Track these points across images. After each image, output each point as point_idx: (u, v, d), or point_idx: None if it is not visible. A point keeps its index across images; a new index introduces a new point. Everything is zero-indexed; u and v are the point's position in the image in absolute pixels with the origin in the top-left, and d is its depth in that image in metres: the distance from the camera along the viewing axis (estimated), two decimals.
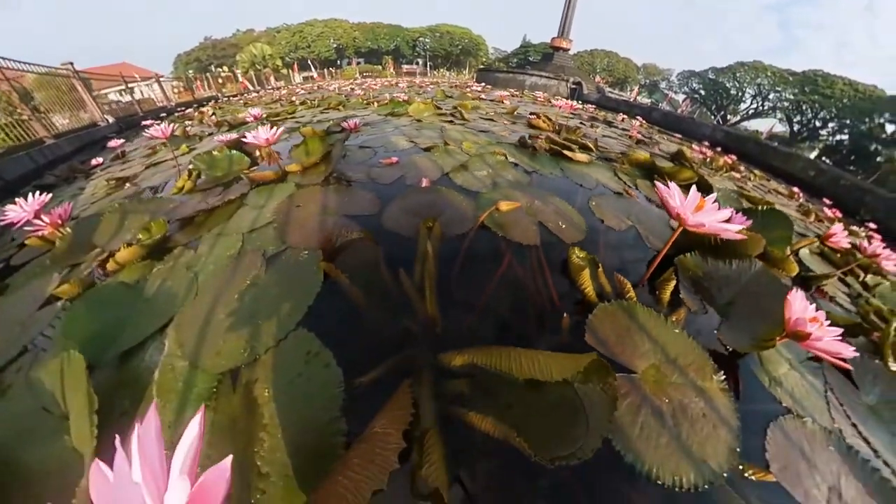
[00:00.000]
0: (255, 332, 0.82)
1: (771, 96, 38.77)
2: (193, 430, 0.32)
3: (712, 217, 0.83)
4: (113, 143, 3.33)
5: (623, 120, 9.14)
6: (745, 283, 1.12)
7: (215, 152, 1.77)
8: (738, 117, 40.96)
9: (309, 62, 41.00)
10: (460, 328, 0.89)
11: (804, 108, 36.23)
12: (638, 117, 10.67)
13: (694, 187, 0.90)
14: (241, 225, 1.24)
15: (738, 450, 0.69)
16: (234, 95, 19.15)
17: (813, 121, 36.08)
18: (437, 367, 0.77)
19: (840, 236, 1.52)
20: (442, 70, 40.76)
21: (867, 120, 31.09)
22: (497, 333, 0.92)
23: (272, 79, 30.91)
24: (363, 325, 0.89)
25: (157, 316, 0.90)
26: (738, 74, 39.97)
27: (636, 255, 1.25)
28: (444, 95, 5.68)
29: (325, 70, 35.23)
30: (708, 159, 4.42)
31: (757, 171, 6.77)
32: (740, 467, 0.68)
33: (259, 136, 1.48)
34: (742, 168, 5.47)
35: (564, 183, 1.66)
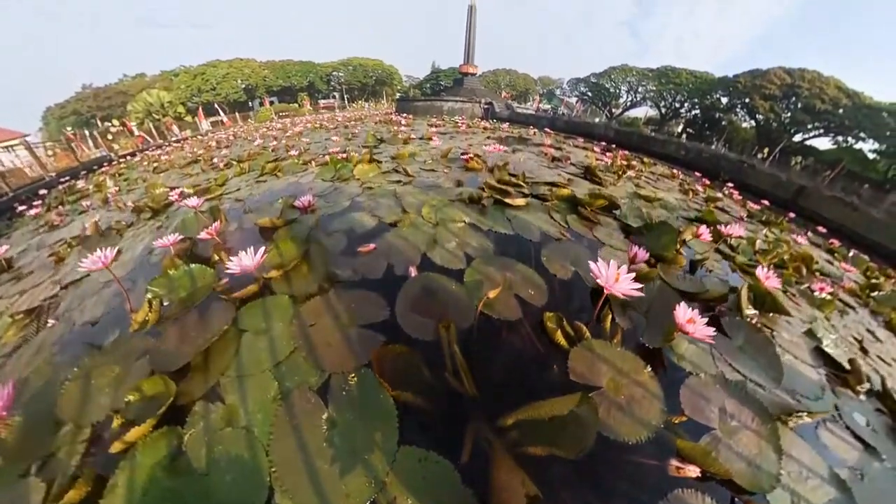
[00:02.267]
0: (366, 465, 0.90)
1: (640, 90, 48.28)
2: None
3: (625, 285, 1.19)
4: None
5: (535, 134, 10.31)
6: (653, 298, 1.57)
7: (170, 272, 1.56)
8: (620, 109, 50.74)
9: (216, 106, 38.04)
10: (494, 394, 1.18)
11: (665, 95, 46.33)
12: (546, 129, 11.99)
13: (614, 264, 1.23)
14: (259, 359, 1.16)
15: (664, 409, 1.12)
16: (132, 153, 17.09)
17: (673, 104, 46.68)
18: (496, 427, 1.05)
19: (704, 233, 2.04)
20: (360, 102, 41.06)
21: (708, 97, 42.50)
22: (517, 389, 1.21)
23: (175, 128, 28.11)
24: (430, 419, 1.10)
25: (245, 493, 0.82)
26: (612, 76, 48.75)
27: (583, 297, 1.61)
28: (377, 140, 5.86)
29: (236, 113, 32.83)
30: (609, 163, 5.20)
31: (646, 159, 8.18)
32: (668, 418, 1.11)
33: (243, 263, 1.37)
34: (635, 162, 6.51)
35: (517, 241, 1.95)
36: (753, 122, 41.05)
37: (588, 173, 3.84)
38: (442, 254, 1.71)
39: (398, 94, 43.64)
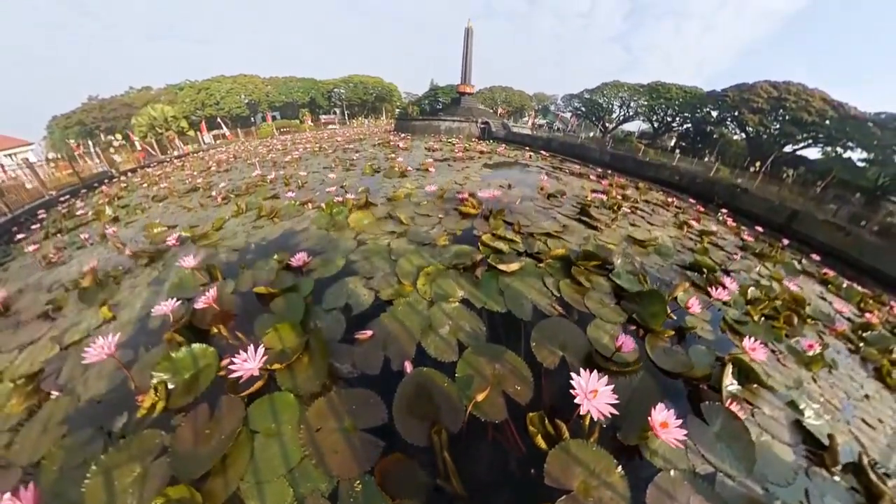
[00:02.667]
0: None
1: (632, 105, 49.32)
2: None
3: (602, 401, 1.21)
4: None
5: (530, 157, 10.49)
6: (634, 389, 1.61)
7: (173, 354, 1.60)
8: (614, 124, 51.76)
9: (219, 120, 38.52)
10: (481, 496, 1.24)
11: (656, 109, 47.62)
12: (542, 151, 12.16)
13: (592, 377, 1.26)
14: (273, 465, 1.22)
15: None
16: (133, 169, 17.17)
17: (665, 118, 47.79)
18: None
19: (694, 305, 2.08)
20: (360, 118, 41.73)
21: (698, 111, 43.85)
22: (502, 489, 1.27)
23: (177, 142, 28.43)
24: None
25: None
26: (604, 92, 49.97)
27: (567, 389, 1.62)
28: (373, 170, 5.96)
29: (238, 130, 33.22)
30: (605, 198, 5.21)
31: (641, 185, 8.30)
32: None
33: (246, 366, 1.42)
34: (630, 192, 6.60)
35: (508, 322, 1.98)
36: (744, 135, 42.33)
37: (583, 213, 3.91)
38: (436, 343, 1.75)
39: (397, 111, 44.50)
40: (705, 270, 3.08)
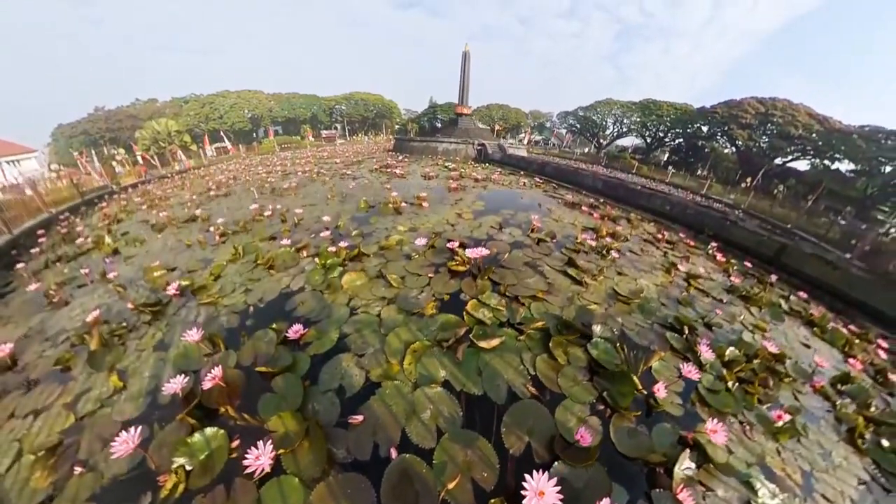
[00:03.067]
0: None
1: (625, 121, 51.15)
2: None
3: (548, 500, 1.33)
4: None
5: (524, 185, 10.71)
6: (589, 478, 1.73)
7: (189, 440, 1.81)
8: (608, 140, 53.65)
9: (222, 133, 39.08)
10: None
11: (648, 125, 49.27)
12: (536, 178, 12.41)
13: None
14: None
15: None
16: (134, 185, 17.30)
17: (657, 133, 49.58)
18: None
19: (661, 389, 2.21)
20: (360, 134, 42.47)
21: (689, 127, 45.33)
22: None
23: (180, 154, 28.74)
24: None
25: None
26: (598, 109, 51.61)
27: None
28: (367, 205, 6.15)
29: (240, 146, 33.71)
30: (595, 239, 5.31)
31: (633, 215, 8.44)
32: None
33: (259, 461, 1.63)
34: (620, 228, 6.72)
35: (482, 405, 2.10)
36: (734, 149, 43.59)
37: (570, 264, 4.05)
38: (418, 429, 1.90)
39: (397, 127, 45.24)
40: (686, 330, 3.18)
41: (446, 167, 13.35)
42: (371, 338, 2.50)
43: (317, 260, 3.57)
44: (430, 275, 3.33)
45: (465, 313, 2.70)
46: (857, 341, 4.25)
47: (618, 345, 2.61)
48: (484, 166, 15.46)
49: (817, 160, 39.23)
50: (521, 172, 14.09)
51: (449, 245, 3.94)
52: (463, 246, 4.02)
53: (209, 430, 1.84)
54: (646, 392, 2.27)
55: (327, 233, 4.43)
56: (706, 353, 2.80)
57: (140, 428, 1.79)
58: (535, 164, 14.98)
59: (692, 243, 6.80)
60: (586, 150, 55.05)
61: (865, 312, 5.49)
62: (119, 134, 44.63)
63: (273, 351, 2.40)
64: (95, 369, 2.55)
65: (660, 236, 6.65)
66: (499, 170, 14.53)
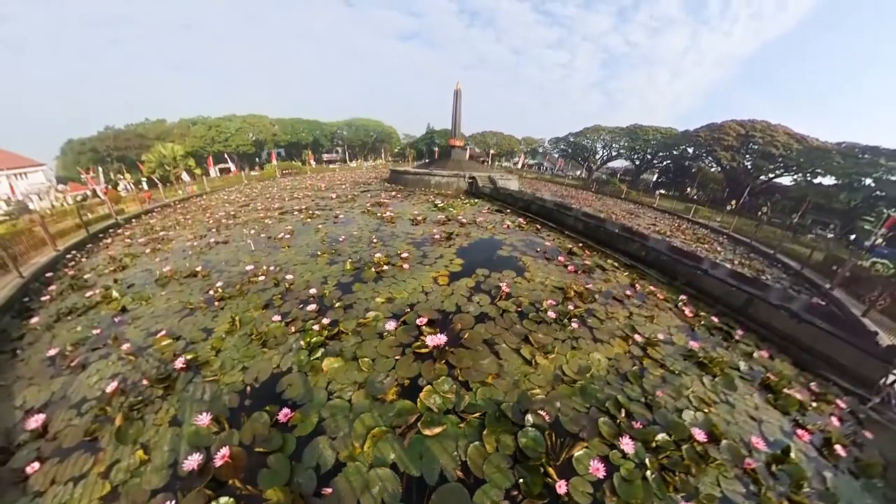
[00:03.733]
0: None
1: (614, 145, 53.42)
2: None
3: None
4: None
5: (507, 228, 11.22)
6: None
7: None
8: (598, 164, 55.92)
9: (226, 156, 40.40)
10: None
11: (637, 149, 51.67)
12: (521, 219, 13.10)
13: None
14: None
15: None
16: (137, 215, 17.82)
17: (645, 156, 52.09)
18: None
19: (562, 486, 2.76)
20: (360, 160, 43.95)
21: (675, 149, 47.54)
22: None
23: (184, 176, 29.80)
24: None
25: None
26: (587, 135, 53.66)
27: None
28: (353, 267, 6.83)
29: (244, 165, 35.06)
30: (558, 309, 5.41)
31: (608, 262, 8.88)
32: None
33: None
34: (592, 282, 7.09)
35: (418, 486, 2.63)
36: (721, 168, 45.61)
37: (526, 340, 4.52)
38: (368, 502, 2.52)
39: (396, 150, 46.78)
40: (622, 413, 3.41)
41: (436, 206, 14.11)
42: (342, 422, 3.11)
43: (302, 343, 4.20)
44: (396, 357, 3.94)
45: (418, 400, 3.33)
46: (813, 405, 4.23)
47: (547, 434, 3.08)
48: (473, 202, 16.21)
49: (798, 177, 41.16)
50: (508, 211, 14.71)
51: (418, 321, 4.59)
52: (430, 322, 4.68)
53: (223, 500, 2.43)
54: (558, 481, 2.65)
55: (314, 306, 5.09)
56: (627, 446, 2.98)
57: (167, 497, 2.39)
58: (521, 202, 15.63)
59: (662, 296, 6.94)
60: (578, 173, 57.21)
61: (831, 364, 5.41)
62: (126, 153, 45.85)
63: (267, 432, 3.01)
64: (122, 443, 3.10)
65: (628, 294, 6.63)
66: (487, 206, 15.24)
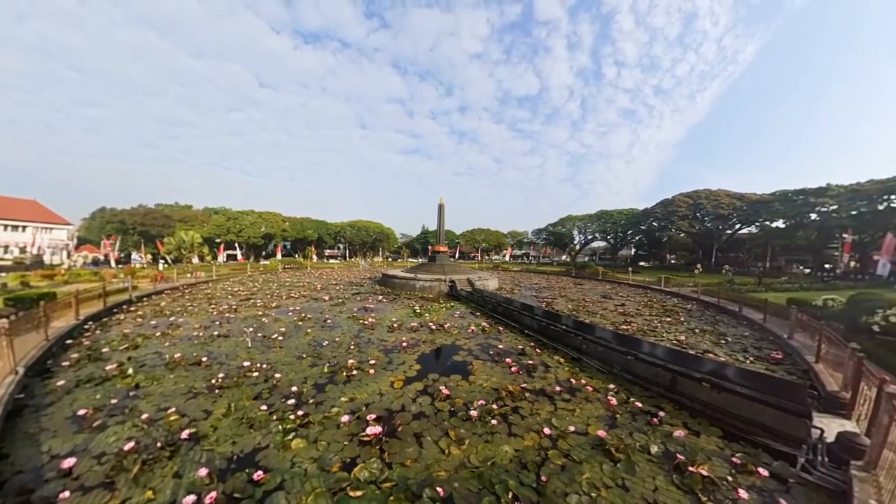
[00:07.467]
0: None
1: (587, 230, 61.37)
2: None
3: None
4: None
5: (472, 331, 12.23)
6: None
7: None
8: (578, 248, 62.56)
9: (236, 245, 44.39)
10: None
11: (607, 230, 59.26)
12: (485, 322, 14.67)
13: None
14: None
15: None
16: (148, 295, 19.50)
17: (618, 235, 59.30)
18: None
19: None
20: (358, 257, 48.43)
21: (642, 225, 54.58)
22: None
23: (195, 260, 33.04)
24: None
25: None
26: (563, 224, 61.59)
27: None
28: (330, 370, 8.38)
29: (251, 255, 38.91)
30: (484, 407, 6.53)
31: (555, 358, 9.36)
32: None
33: None
34: (531, 381, 7.47)
35: None
36: (686, 234, 51.93)
37: (446, 434, 6.13)
38: None
39: (394, 248, 51.65)
40: (509, 495, 3.87)
41: (415, 312, 15.96)
42: (297, 483, 4.52)
43: (280, 427, 5.73)
44: (345, 442, 5.50)
45: (353, 473, 4.81)
46: (729, 479, 4.29)
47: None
48: (449, 305, 18.11)
49: (752, 228, 47.67)
50: (478, 314, 16.20)
51: (368, 417, 6.17)
52: (378, 418, 6.26)
53: None
54: None
55: (293, 400, 6.63)
56: None
57: None
58: (490, 303, 17.29)
59: (592, 388, 7.27)
60: (563, 257, 62.88)
61: (764, 428, 5.52)
62: (150, 229, 49.82)
63: (244, 486, 4.40)
64: (136, 485, 4.43)
65: (559, 388, 7.10)
66: (460, 310, 16.92)
